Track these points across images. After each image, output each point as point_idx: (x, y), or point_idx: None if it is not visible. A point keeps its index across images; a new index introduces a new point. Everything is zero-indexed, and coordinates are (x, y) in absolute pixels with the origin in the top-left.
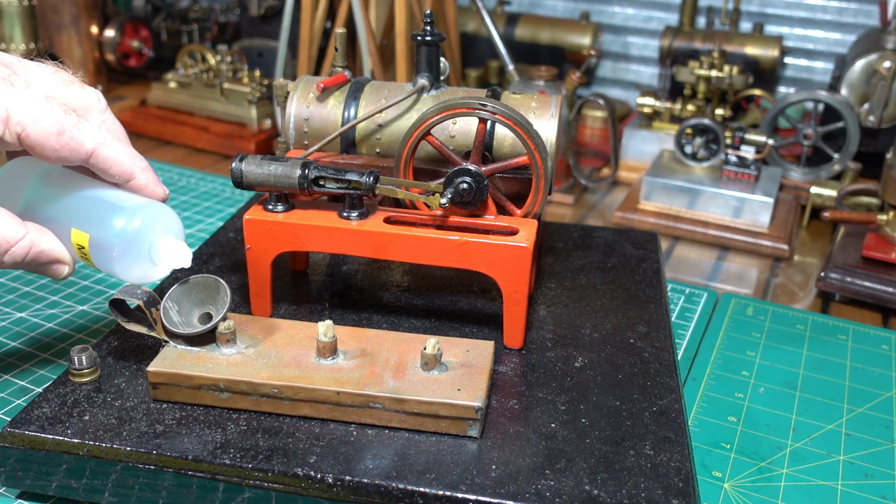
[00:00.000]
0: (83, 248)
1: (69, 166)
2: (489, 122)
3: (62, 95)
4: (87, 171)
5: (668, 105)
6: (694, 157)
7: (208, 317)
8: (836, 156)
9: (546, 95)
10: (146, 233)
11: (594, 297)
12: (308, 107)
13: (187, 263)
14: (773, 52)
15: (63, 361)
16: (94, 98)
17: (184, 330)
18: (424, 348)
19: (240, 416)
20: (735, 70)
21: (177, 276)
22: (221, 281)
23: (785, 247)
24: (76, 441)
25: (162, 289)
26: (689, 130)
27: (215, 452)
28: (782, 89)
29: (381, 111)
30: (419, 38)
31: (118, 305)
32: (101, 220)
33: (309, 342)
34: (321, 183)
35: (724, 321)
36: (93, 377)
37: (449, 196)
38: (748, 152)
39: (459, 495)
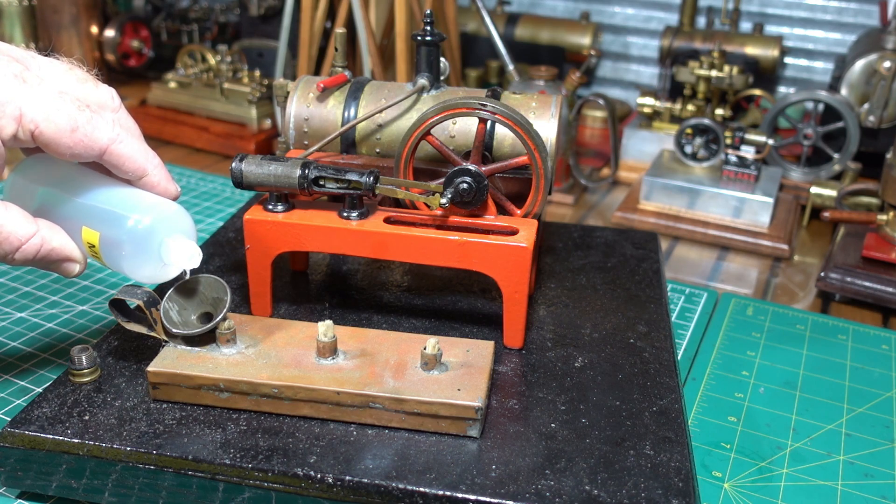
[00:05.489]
0: (94, 246)
1: (83, 164)
2: (489, 122)
3: (76, 92)
4: (100, 167)
5: (668, 105)
6: (694, 157)
7: (208, 317)
8: (836, 156)
9: (546, 95)
10: (156, 232)
11: (594, 297)
12: (308, 107)
13: (197, 264)
14: (773, 52)
15: (63, 361)
16: (107, 96)
17: (184, 330)
18: (424, 348)
19: (240, 416)
20: (735, 70)
21: (177, 276)
22: (221, 281)
23: (785, 247)
24: (76, 441)
25: (162, 289)
26: (689, 130)
27: (215, 452)
28: (782, 89)
29: (381, 111)
30: (419, 38)
31: (118, 305)
32: (111, 219)
33: (309, 342)
34: (321, 183)
35: (724, 321)
36: (93, 377)
37: (449, 196)
38: (748, 152)
39: (459, 495)
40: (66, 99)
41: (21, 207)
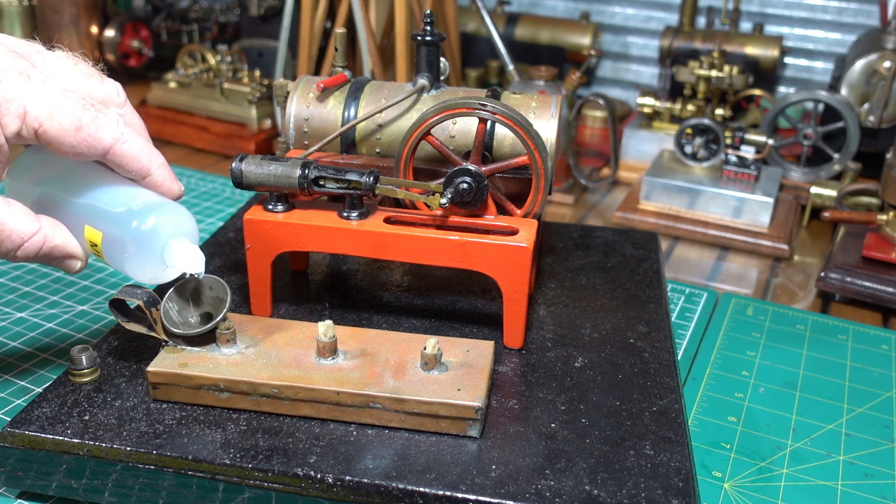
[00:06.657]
0: (96, 245)
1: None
2: (489, 122)
3: (81, 88)
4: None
5: (668, 105)
6: (694, 157)
7: (208, 317)
8: (836, 156)
9: (546, 95)
10: (159, 234)
11: (594, 297)
12: (308, 107)
13: (200, 269)
14: (773, 52)
15: (63, 361)
16: (113, 91)
17: (184, 330)
18: (424, 348)
19: (240, 416)
20: (735, 70)
21: (179, 276)
22: (222, 281)
23: (785, 247)
24: (76, 441)
25: (162, 289)
26: (689, 130)
27: (215, 452)
28: (782, 89)
29: (381, 111)
30: (419, 38)
31: (118, 305)
32: (115, 219)
33: (309, 342)
34: (321, 183)
35: (724, 321)
36: (93, 377)
37: (449, 196)
38: (748, 152)
39: (459, 495)
40: (70, 97)
41: (21, 200)
